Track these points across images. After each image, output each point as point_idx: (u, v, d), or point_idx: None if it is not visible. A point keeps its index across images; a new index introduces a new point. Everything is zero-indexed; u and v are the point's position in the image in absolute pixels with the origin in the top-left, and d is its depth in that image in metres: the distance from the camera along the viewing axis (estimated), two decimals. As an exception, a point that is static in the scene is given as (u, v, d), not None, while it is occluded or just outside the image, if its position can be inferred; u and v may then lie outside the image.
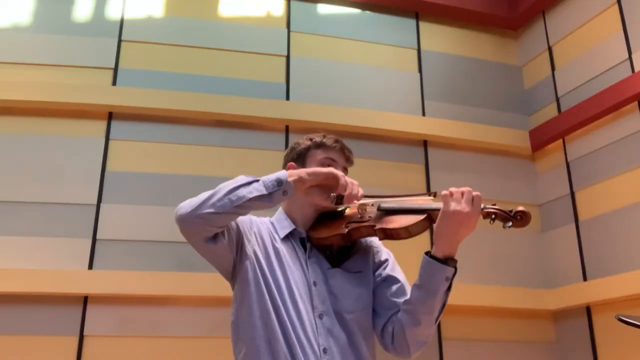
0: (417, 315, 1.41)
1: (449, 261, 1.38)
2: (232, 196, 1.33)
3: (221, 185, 1.36)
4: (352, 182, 1.42)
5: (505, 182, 3.58)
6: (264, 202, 1.35)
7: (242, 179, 1.37)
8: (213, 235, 1.37)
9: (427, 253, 1.40)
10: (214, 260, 1.45)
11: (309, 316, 1.42)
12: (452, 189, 1.37)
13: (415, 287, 1.42)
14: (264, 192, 1.34)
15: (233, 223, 1.43)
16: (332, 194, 1.40)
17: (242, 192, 1.33)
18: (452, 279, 1.39)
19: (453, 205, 1.34)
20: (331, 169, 1.43)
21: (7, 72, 3.05)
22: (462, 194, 1.35)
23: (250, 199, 1.33)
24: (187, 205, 1.34)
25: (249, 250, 1.46)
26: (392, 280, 1.54)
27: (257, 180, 1.36)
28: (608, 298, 2.95)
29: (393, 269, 1.58)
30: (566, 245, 3.34)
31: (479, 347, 3.19)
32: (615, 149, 3.12)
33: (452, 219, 1.34)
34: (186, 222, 1.34)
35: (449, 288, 1.40)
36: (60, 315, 2.74)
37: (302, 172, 1.40)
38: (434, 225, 1.39)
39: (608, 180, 3.14)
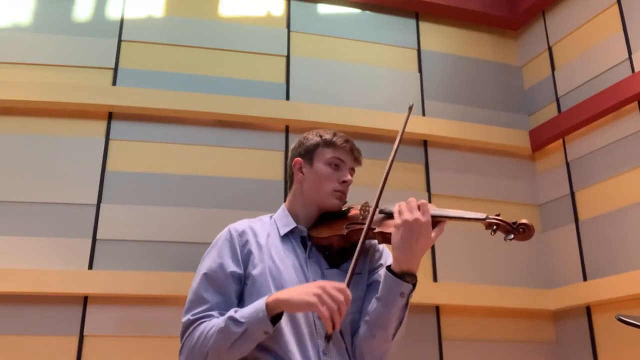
0: (372, 328, 1.38)
1: (406, 277, 1.34)
2: (232, 355, 1.32)
3: (211, 347, 1.32)
4: (336, 308, 1.23)
5: (505, 182, 3.58)
6: (255, 344, 1.33)
7: (230, 332, 1.30)
8: None
9: (387, 266, 1.37)
10: None
11: (307, 317, 1.41)
12: (401, 203, 1.37)
13: (375, 298, 1.39)
14: (254, 344, 1.31)
15: (238, 285, 1.45)
16: (323, 343, 1.35)
17: (235, 353, 1.32)
18: (409, 295, 1.36)
19: (399, 217, 1.34)
20: (314, 301, 1.24)
21: (7, 72, 3.05)
22: (408, 202, 1.35)
23: (245, 353, 1.33)
24: None
25: (242, 270, 1.46)
26: (376, 286, 1.50)
27: (245, 332, 1.29)
28: (608, 298, 2.94)
29: None
30: (566, 245, 3.34)
31: (479, 347, 3.19)
32: (615, 149, 3.12)
33: (404, 229, 1.32)
34: None
35: (406, 305, 1.36)
36: (60, 315, 2.74)
37: (283, 303, 1.28)
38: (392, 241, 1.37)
39: (608, 180, 3.14)
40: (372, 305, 1.39)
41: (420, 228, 1.32)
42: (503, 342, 3.24)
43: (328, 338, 1.26)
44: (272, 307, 1.28)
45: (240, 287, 1.44)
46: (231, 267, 1.44)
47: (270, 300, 1.29)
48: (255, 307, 1.31)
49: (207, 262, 1.47)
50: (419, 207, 1.34)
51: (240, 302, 1.45)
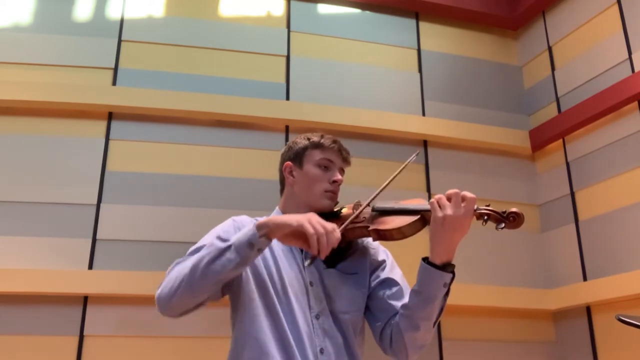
0: (416, 321, 1.40)
1: (446, 267, 1.36)
2: (208, 274, 1.29)
3: (194, 260, 1.31)
4: (325, 233, 1.26)
5: (505, 182, 3.58)
6: (240, 266, 1.31)
7: (214, 247, 1.31)
8: (200, 302, 1.37)
9: (424, 259, 1.39)
10: (204, 305, 1.44)
11: (305, 316, 1.42)
12: (438, 196, 1.35)
13: (413, 292, 1.41)
14: (238, 260, 1.29)
15: None
16: (306, 263, 1.36)
17: (217, 267, 1.29)
18: (450, 284, 1.38)
19: (441, 212, 1.33)
20: (300, 222, 1.28)
21: (7, 72, 3.05)
22: (450, 198, 1.34)
23: (226, 272, 1.30)
24: (165, 293, 1.33)
25: None
26: (390, 282, 1.53)
27: (229, 247, 1.30)
28: (608, 298, 2.94)
29: (391, 270, 1.57)
30: (566, 245, 3.34)
31: (479, 347, 3.19)
32: (615, 149, 3.12)
33: (444, 224, 1.33)
34: (169, 308, 1.34)
35: (447, 293, 1.39)
36: (60, 315, 2.74)
37: (270, 223, 1.30)
38: (429, 231, 1.37)
39: (608, 180, 3.14)
40: (412, 299, 1.41)
41: (462, 223, 1.33)
42: (503, 342, 3.24)
43: (312, 259, 1.29)
44: (260, 227, 1.30)
45: None
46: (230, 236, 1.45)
47: (260, 222, 1.31)
48: (243, 230, 1.32)
49: (215, 231, 1.48)
50: (462, 201, 1.33)
51: (231, 291, 1.46)
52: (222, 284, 1.36)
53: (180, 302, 1.33)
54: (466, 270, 3.25)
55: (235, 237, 1.31)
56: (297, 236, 1.30)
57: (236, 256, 1.29)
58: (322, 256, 1.26)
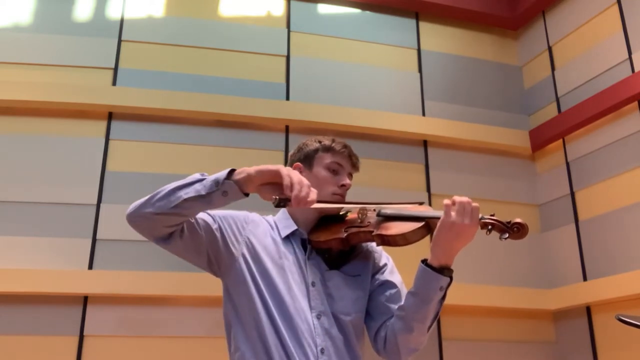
0: (410, 323, 1.41)
1: (444, 271, 1.37)
2: (172, 197, 1.33)
3: (170, 184, 1.36)
4: (301, 183, 1.28)
5: (505, 182, 3.58)
6: (202, 203, 1.33)
7: (192, 177, 1.36)
8: (167, 234, 1.37)
9: (423, 261, 1.39)
10: (180, 256, 1.45)
11: (306, 316, 1.42)
12: (456, 198, 1.34)
13: (409, 294, 1.42)
14: (202, 192, 1.32)
15: (210, 224, 1.43)
16: (273, 196, 1.31)
17: (181, 192, 1.33)
18: (447, 288, 1.39)
19: (453, 217, 1.33)
20: (279, 168, 1.30)
21: (7, 72, 3.05)
22: (464, 205, 1.33)
23: (186, 200, 1.32)
24: (134, 204, 1.36)
25: (236, 251, 1.46)
26: (388, 285, 1.54)
27: (201, 180, 1.34)
28: (608, 298, 2.95)
29: (391, 273, 1.58)
30: (566, 245, 3.34)
31: (479, 347, 3.19)
32: (615, 149, 3.12)
33: (451, 230, 1.33)
34: (131, 221, 1.36)
35: (443, 297, 1.39)
36: (60, 315, 2.74)
37: (250, 169, 1.33)
38: (433, 234, 1.38)
39: (608, 180, 3.14)
40: (408, 300, 1.41)
41: (468, 232, 1.33)
42: (503, 342, 3.24)
43: (281, 201, 1.29)
44: (237, 172, 1.33)
45: (211, 241, 1.44)
46: (230, 222, 1.48)
47: (240, 169, 1.34)
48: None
49: (229, 213, 1.52)
50: (471, 212, 1.33)
51: (231, 283, 1.47)
52: (181, 218, 1.37)
53: (141, 216, 1.35)
54: (466, 270, 3.25)
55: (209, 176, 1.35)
56: (273, 186, 1.31)
57: (202, 188, 1.33)
58: (294, 204, 1.26)
